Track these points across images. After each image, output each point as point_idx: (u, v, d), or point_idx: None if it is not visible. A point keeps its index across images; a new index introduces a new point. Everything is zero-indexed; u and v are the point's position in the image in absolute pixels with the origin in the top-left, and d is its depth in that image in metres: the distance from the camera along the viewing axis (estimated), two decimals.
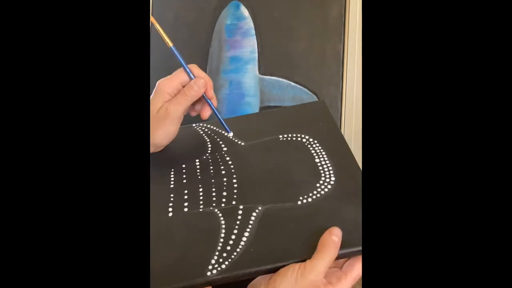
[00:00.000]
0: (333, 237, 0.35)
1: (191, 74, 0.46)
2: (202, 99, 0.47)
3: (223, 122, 0.47)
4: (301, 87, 0.70)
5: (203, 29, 0.74)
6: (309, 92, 0.70)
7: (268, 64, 0.72)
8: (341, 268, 0.36)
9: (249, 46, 0.72)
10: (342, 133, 0.69)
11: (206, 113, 0.48)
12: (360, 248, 0.35)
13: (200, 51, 0.74)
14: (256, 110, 0.71)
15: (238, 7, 0.73)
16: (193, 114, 0.50)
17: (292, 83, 0.70)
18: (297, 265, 0.34)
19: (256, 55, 0.72)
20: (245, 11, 0.73)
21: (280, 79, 0.71)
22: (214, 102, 0.48)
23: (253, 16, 0.72)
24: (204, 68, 0.74)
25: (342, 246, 0.35)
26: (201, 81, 0.46)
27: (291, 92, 0.70)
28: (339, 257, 0.35)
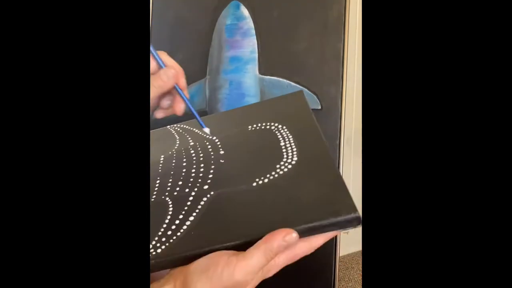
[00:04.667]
0: (280, 241, 0.29)
1: (161, 62, 0.41)
2: (173, 93, 0.43)
3: (198, 116, 0.44)
4: (301, 87, 0.70)
5: (203, 29, 0.74)
6: (309, 92, 0.70)
7: (268, 64, 0.72)
8: None
9: (249, 46, 0.73)
10: (342, 133, 0.70)
11: (180, 106, 0.42)
12: (315, 224, 0.31)
13: (200, 51, 0.74)
14: None
15: (238, 7, 0.73)
16: (159, 115, 0.45)
17: (292, 83, 0.71)
18: (216, 260, 0.29)
19: (256, 55, 0.72)
20: (245, 11, 0.73)
21: (280, 79, 0.71)
22: (186, 93, 0.43)
23: (253, 16, 0.72)
24: (204, 68, 0.74)
25: (295, 224, 0.31)
26: (171, 71, 0.40)
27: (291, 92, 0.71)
28: (299, 235, 0.31)
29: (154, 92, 0.39)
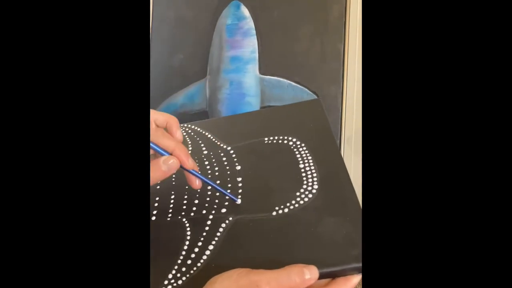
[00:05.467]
0: (305, 273, 0.30)
1: (160, 151, 0.35)
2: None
3: (227, 193, 0.38)
4: (301, 87, 0.70)
5: (203, 29, 0.74)
6: (310, 92, 0.70)
7: (268, 64, 0.72)
8: None
9: (250, 46, 0.73)
10: (342, 133, 0.69)
11: (195, 182, 0.37)
12: (339, 268, 0.31)
13: (201, 51, 0.74)
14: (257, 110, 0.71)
15: (238, 7, 0.73)
16: None
17: (293, 83, 0.71)
18: (243, 269, 0.30)
19: (257, 55, 0.72)
20: (245, 11, 0.73)
21: (281, 79, 0.71)
22: (197, 169, 0.37)
23: (254, 16, 0.72)
24: (204, 68, 0.74)
25: (319, 265, 0.30)
26: (172, 161, 0.34)
27: (291, 92, 0.71)
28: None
29: (152, 182, 0.34)
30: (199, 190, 0.39)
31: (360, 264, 0.31)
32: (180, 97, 0.76)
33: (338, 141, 0.69)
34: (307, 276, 0.30)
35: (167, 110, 0.76)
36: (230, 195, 0.38)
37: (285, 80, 0.71)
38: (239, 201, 0.38)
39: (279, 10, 0.72)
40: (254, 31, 0.72)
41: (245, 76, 0.72)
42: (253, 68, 0.72)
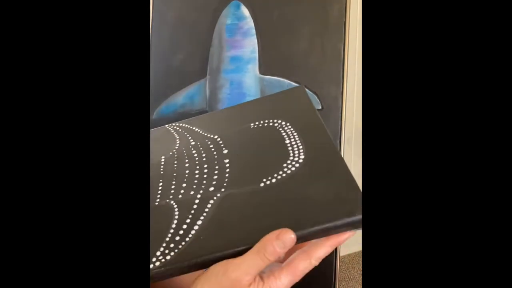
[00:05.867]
0: (277, 241, 0.29)
1: None
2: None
3: None
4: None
5: (203, 29, 0.74)
6: (310, 92, 0.70)
7: (268, 63, 0.72)
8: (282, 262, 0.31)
9: (250, 46, 0.73)
10: (342, 133, 0.69)
11: None
12: (329, 224, 0.31)
13: (201, 51, 0.74)
14: None
15: (238, 7, 0.73)
16: None
17: (293, 83, 0.71)
18: (221, 263, 0.30)
19: (257, 54, 0.72)
20: (245, 11, 0.73)
21: (281, 78, 0.71)
22: None
23: (254, 15, 0.72)
24: (204, 68, 0.74)
25: (308, 225, 0.31)
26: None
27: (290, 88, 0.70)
28: (307, 237, 0.31)
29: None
30: (187, 174, 0.40)
31: (353, 218, 0.30)
32: (180, 97, 0.76)
33: (338, 141, 0.69)
34: (281, 245, 0.30)
35: (167, 110, 0.76)
36: None
37: (285, 80, 0.71)
38: None
39: (279, 10, 0.72)
40: (254, 31, 0.72)
41: (245, 76, 0.72)
42: (253, 68, 0.72)
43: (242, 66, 0.73)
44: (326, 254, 0.31)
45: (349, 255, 1.27)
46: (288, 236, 0.30)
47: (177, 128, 0.49)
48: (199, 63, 0.74)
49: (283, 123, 0.42)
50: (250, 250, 0.30)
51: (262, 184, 0.36)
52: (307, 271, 0.31)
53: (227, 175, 0.38)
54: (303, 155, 0.37)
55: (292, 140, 0.39)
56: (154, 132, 0.50)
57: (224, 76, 0.73)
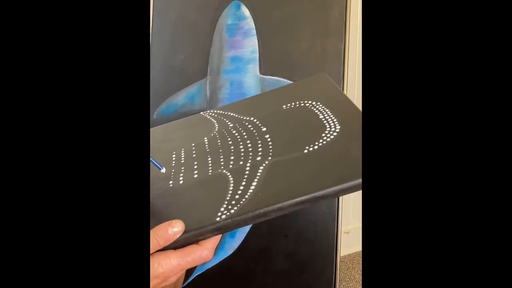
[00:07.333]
0: (170, 229, 0.33)
1: (156, 164, 0.42)
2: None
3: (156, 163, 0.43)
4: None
5: (203, 29, 0.74)
6: None
7: (269, 64, 0.72)
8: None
9: (250, 46, 0.72)
10: None
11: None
12: (359, 181, 0.34)
13: (201, 51, 0.74)
14: None
15: (239, 7, 0.73)
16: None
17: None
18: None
19: (257, 55, 0.72)
20: (246, 11, 0.73)
21: (281, 79, 0.71)
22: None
23: (254, 16, 0.72)
24: (205, 68, 0.74)
25: (345, 180, 0.34)
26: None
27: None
28: (337, 194, 0.34)
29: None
30: (232, 149, 0.43)
31: None
32: (180, 97, 0.76)
33: None
34: (171, 231, 0.33)
35: (167, 110, 0.76)
36: (156, 164, 0.43)
37: (286, 80, 0.71)
38: (163, 170, 0.43)
39: (279, 10, 0.72)
40: (254, 31, 0.72)
41: (245, 76, 0.72)
42: (254, 68, 0.72)
43: (243, 66, 0.73)
44: (215, 246, 0.35)
45: (349, 255, 1.27)
46: (178, 224, 0.34)
47: (212, 114, 0.52)
48: (200, 63, 0.74)
49: (314, 103, 0.46)
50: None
51: (305, 151, 0.39)
52: (198, 259, 0.34)
53: (270, 147, 0.42)
54: (339, 126, 0.41)
55: (326, 115, 0.43)
56: (191, 119, 0.53)
57: (224, 76, 0.73)
